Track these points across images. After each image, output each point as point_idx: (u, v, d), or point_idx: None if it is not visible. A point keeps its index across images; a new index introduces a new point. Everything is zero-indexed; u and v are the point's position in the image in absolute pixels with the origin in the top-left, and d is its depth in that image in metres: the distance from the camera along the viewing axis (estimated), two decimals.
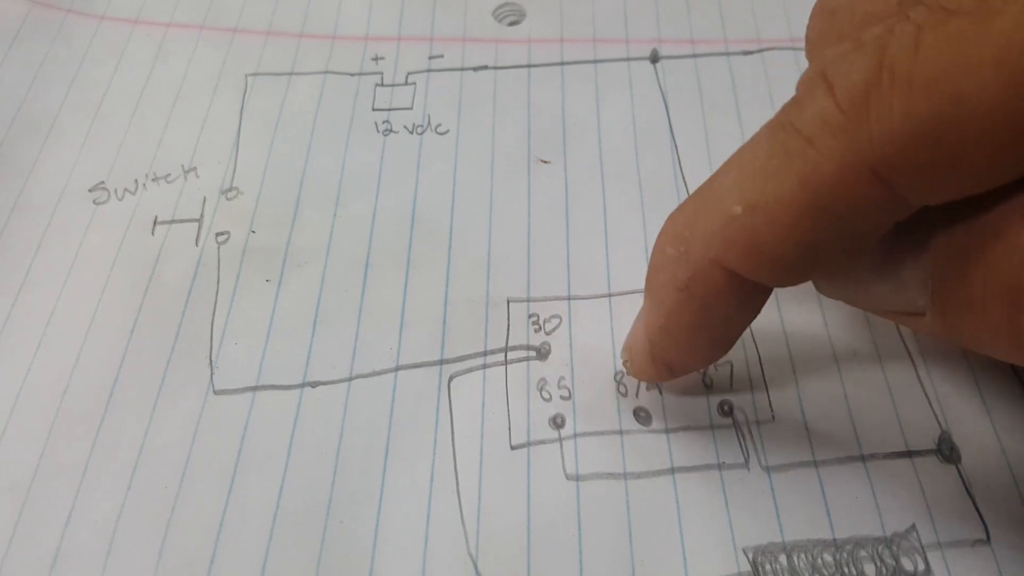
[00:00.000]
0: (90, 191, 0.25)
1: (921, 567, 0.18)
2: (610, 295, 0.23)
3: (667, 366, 0.19)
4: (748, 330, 0.22)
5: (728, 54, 0.29)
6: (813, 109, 0.15)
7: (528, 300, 0.23)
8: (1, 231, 0.24)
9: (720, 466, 0.20)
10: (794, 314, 0.23)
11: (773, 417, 0.21)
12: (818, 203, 0.15)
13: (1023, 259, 0.14)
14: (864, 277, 0.17)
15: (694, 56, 0.29)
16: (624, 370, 0.21)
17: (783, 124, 0.15)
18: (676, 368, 0.20)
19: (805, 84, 0.15)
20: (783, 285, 0.17)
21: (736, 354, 0.22)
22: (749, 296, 0.17)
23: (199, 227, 0.25)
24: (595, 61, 0.29)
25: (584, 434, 0.20)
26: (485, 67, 0.29)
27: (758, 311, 0.18)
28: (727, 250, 0.16)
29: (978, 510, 0.19)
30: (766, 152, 0.15)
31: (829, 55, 0.15)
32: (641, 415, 0.21)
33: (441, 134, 0.27)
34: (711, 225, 0.16)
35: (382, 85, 0.28)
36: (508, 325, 0.22)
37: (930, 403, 0.21)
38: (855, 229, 0.15)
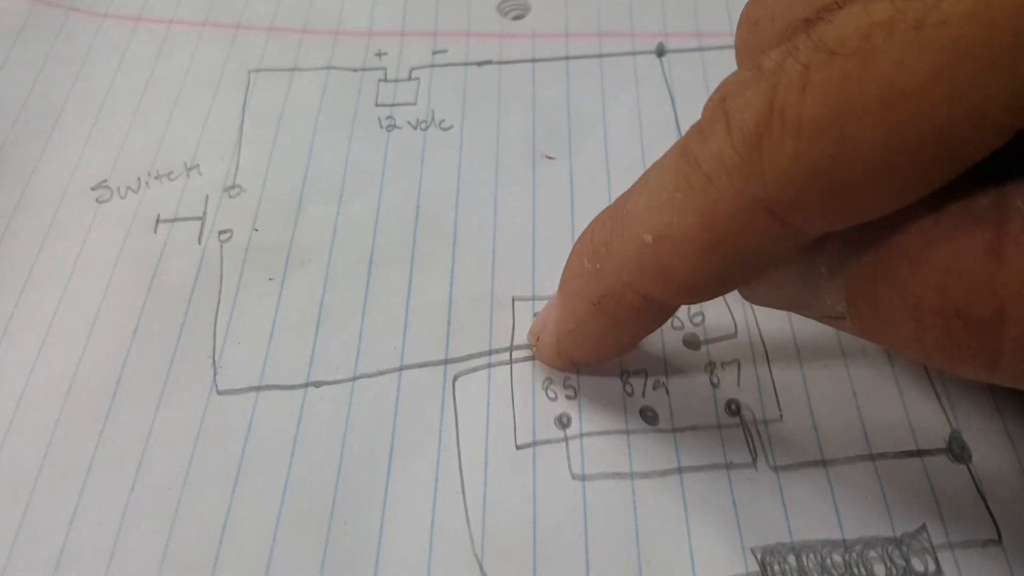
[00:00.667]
0: (93, 189, 0.25)
1: (932, 568, 0.18)
2: None
3: (572, 362, 0.21)
4: (756, 328, 0.22)
5: (734, 47, 0.28)
6: (712, 147, 0.15)
7: (533, 298, 0.23)
8: (4, 230, 0.24)
9: (728, 466, 0.20)
10: None
11: (781, 416, 0.20)
12: (718, 238, 0.15)
13: (924, 278, 0.14)
14: (785, 285, 0.17)
15: (700, 50, 0.29)
16: (530, 344, 0.21)
17: (687, 155, 0.15)
18: (580, 364, 0.21)
19: (709, 111, 0.15)
20: (693, 303, 0.17)
21: (743, 353, 0.22)
22: (657, 312, 0.18)
23: (202, 225, 0.24)
24: (600, 55, 0.28)
25: (590, 434, 0.20)
26: (489, 62, 0.28)
27: (664, 321, 0.19)
28: (640, 276, 0.17)
29: (989, 510, 0.19)
30: (672, 182, 0.16)
31: (730, 83, 0.15)
32: (648, 414, 0.21)
33: (445, 130, 0.27)
34: (625, 249, 0.17)
35: (385, 81, 0.28)
36: (513, 324, 0.22)
37: (940, 401, 0.21)
38: (756, 259, 0.16)
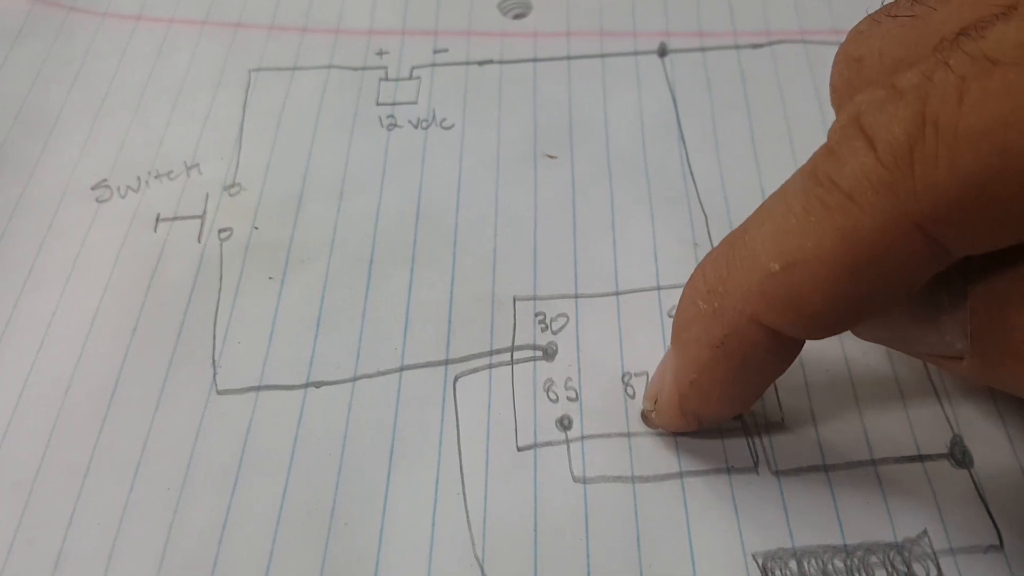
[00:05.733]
0: (92, 189, 0.25)
1: (933, 573, 0.18)
2: (618, 293, 0.23)
3: (696, 418, 0.19)
4: None
5: (737, 47, 0.28)
6: (853, 164, 0.14)
7: (534, 298, 0.23)
8: (3, 230, 0.24)
9: (729, 470, 0.20)
10: None
11: (783, 420, 0.20)
12: (860, 259, 0.15)
13: None
14: (901, 322, 0.17)
15: (703, 50, 0.28)
16: (646, 410, 0.20)
17: (819, 178, 0.15)
18: (705, 420, 0.20)
19: (839, 133, 0.15)
20: (822, 337, 0.16)
21: None
22: (785, 349, 0.17)
23: (202, 224, 0.24)
24: (602, 55, 0.28)
25: (591, 436, 0.20)
26: (491, 61, 0.28)
27: (792, 361, 0.18)
28: (766, 308, 0.16)
29: (991, 515, 0.19)
30: (802, 206, 0.15)
31: (862, 102, 0.15)
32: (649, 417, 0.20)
33: (446, 129, 0.27)
34: (747, 282, 0.16)
35: (386, 79, 0.28)
36: (514, 324, 0.22)
37: (942, 406, 0.21)
38: (897, 282, 0.15)
